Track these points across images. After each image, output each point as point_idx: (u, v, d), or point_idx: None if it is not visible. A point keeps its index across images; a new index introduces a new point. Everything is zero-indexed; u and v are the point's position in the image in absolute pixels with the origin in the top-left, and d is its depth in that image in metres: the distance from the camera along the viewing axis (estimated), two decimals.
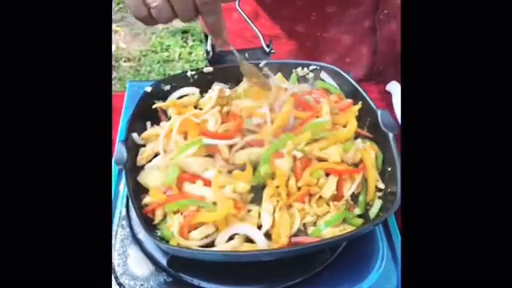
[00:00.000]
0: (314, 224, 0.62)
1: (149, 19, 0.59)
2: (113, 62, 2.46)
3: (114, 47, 2.56)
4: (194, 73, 0.76)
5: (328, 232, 0.60)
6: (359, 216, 0.64)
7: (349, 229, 0.61)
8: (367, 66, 1.00)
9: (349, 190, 0.64)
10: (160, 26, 2.74)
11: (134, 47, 2.58)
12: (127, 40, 2.64)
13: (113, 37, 2.64)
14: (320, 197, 0.63)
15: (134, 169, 0.65)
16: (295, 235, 0.61)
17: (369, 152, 0.67)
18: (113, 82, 2.34)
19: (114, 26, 2.71)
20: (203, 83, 0.76)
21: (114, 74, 2.39)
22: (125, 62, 2.48)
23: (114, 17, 2.78)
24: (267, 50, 0.76)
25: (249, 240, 0.59)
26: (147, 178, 0.64)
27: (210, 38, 0.72)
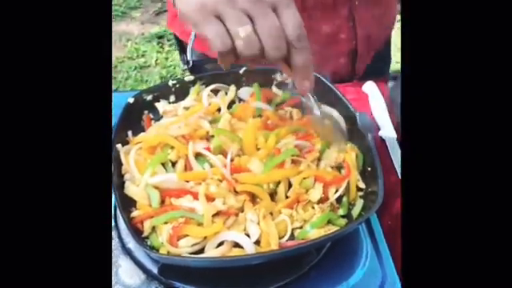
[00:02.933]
0: (301, 228, 0.64)
1: (231, 54, 0.49)
2: None
3: None
4: (175, 82, 0.77)
5: (314, 233, 0.62)
6: (343, 216, 0.66)
7: (333, 229, 0.63)
8: (348, 53, 1.02)
9: (334, 193, 0.66)
10: (135, 32, 2.74)
11: (115, 55, 2.57)
12: None
13: None
14: (308, 201, 0.65)
15: (120, 180, 0.66)
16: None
17: (350, 153, 0.69)
18: None
19: None
20: (185, 92, 0.77)
21: None
22: None
23: None
24: None
25: (237, 245, 0.61)
26: (130, 191, 0.64)
27: (189, 47, 0.74)
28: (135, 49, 2.60)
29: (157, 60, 2.54)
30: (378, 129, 0.87)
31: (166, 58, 2.55)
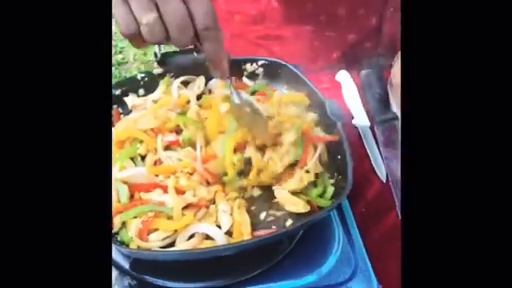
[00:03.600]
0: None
1: (138, 38, 0.50)
2: None
3: None
4: (143, 75, 0.76)
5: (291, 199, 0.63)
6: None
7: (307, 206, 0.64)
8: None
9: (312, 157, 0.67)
10: (112, 28, 2.71)
11: None
12: None
13: None
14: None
15: None
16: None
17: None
18: None
19: None
20: (154, 85, 0.76)
21: None
22: None
23: None
24: None
25: (209, 237, 0.61)
26: None
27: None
28: (113, 45, 2.57)
29: (135, 56, 2.51)
30: (352, 117, 0.87)
31: (145, 54, 2.52)
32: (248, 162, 0.65)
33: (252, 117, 0.64)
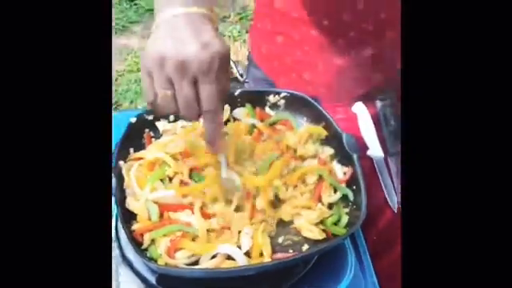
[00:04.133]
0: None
1: (155, 106, 0.59)
2: None
3: None
4: None
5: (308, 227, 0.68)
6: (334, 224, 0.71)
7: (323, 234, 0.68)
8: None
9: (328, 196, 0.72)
10: (135, 46, 2.80)
11: (115, 68, 2.62)
12: None
13: None
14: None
15: (122, 194, 0.71)
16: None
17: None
18: None
19: None
20: None
21: None
22: None
23: None
24: (241, 79, 0.83)
25: (230, 257, 0.65)
26: (131, 205, 0.69)
27: None
28: (135, 62, 2.65)
29: None
30: (367, 148, 0.92)
31: None
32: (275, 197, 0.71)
33: (231, 190, 0.70)
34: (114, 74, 2.55)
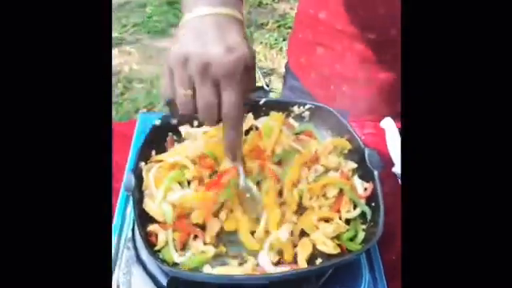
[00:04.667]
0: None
1: (172, 105, 0.58)
2: (126, 83, 2.55)
3: (127, 68, 2.66)
4: None
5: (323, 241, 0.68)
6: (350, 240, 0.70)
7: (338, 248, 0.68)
8: None
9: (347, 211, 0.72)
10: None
11: (147, 69, 2.68)
12: (140, 62, 2.73)
13: (126, 58, 2.74)
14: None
15: (141, 195, 0.72)
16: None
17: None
18: (125, 103, 2.43)
19: (127, 48, 2.82)
20: None
21: (126, 95, 2.48)
22: (137, 83, 2.57)
23: (128, 38, 2.89)
24: (267, 88, 0.83)
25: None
26: (147, 206, 0.70)
27: None
28: None
29: None
30: (393, 164, 0.90)
31: None
32: None
33: (250, 200, 0.70)
34: (150, 77, 2.60)
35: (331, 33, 0.99)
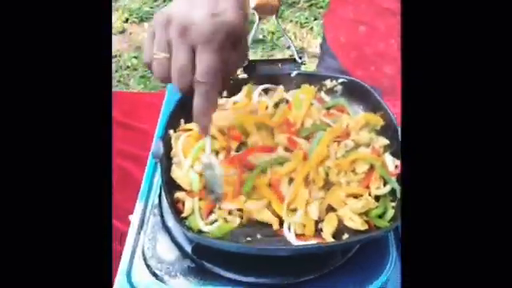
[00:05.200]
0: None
1: (151, 68, 0.57)
2: None
3: None
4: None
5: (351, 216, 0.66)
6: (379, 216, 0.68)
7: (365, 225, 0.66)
8: None
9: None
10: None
11: None
12: None
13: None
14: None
15: (169, 162, 0.72)
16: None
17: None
18: (153, 77, 2.43)
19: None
20: (237, 89, 0.82)
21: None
22: None
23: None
24: (299, 60, 0.81)
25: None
26: (175, 174, 0.69)
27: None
28: None
29: None
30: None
31: None
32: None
33: (211, 178, 0.66)
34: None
35: (375, 11, 0.96)
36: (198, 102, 0.56)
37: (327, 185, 0.70)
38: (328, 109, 0.81)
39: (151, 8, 2.89)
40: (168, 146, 0.72)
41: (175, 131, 0.74)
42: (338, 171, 0.70)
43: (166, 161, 0.71)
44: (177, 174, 0.69)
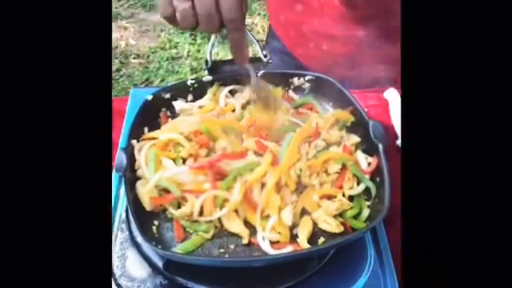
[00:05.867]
0: None
1: (173, 21, 0.59)
2: (122, 59, 2.49)
3: (123, 44, 2.60)
4: (193, 81, 0.79)
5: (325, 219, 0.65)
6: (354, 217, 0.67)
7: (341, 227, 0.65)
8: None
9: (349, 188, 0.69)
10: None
11: (143, 44, 2.61)
12: (136, 37, 2.67)
13: (122, 33, 2.67)
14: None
15: (133, 175, 0.68)
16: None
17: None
18: (121, 79, 2.38)
19: (123, 23, 2.75)
20: (202, 92, 0.79)
21: (123, 71, 2.43)
22: (134, 58, 2.51)
23: (123, 13, 2.82)
24: (264, 59, 0.79)
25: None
26: (139, 191, 0.67)
27: (208, 49, 0.75)
28: (168, 40, 2.63)
29: (189, 52, 2.57)
30: (396, 137, 0.86)
31: (198, 51, 2.58)
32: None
33: (264, 98, 0.73)
34: (147, 51, 2.54)
35: None
36: (233, 37, 0.60)
37: (300, 188, 0.68)
38: (297, 107, 0.79)
39: (115, 8, 2.82)
40: (131, 157, 0.69)
41: (138, 141, 0.71)
42: (311, 173, 0.68)
43: (131, 174, 0.67)
44: (140, 191, 0.66)
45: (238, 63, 0.66)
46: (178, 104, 0.77)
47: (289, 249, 0.62)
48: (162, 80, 2.39)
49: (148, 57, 2.53)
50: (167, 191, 0.66)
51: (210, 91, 0.78)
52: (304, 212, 0.66)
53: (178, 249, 0.62)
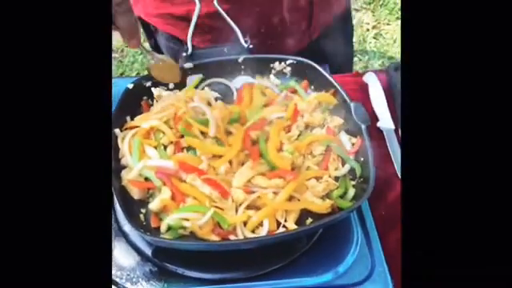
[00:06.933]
0: None
1: None
2: None
3: None
4: None
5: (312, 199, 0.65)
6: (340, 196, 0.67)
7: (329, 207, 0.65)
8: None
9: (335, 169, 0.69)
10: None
11: (117, 38, 2.57)
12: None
13: None
14: None
15: (118, 164, 0.67)
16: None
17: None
18: None
19: None
20: (183, 79, 0.78)
21: None
22: None
23: None
24: (245, 45, 0.78)
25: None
26: (124, 180, 0.66)
27: (189, 37, 0.75)
28: (142, 33, 2.61)
29: None
30: (377, 119, 0.87)
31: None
32: None
33: (164, 65, 0.73)
34: (121, 45, 2.51)
35: None
36: (125, 21, 0.60)
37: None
38: (281, 90, 0.79)
39: None
40: (115, 147, 0.68)
41: (121, 130, 0.70)
42: (297, 156, 0.69)
43: (115, 163, 0.67)
44: (126, 180, 0.65)
45: (132, 47, 0.66)
46: (157, 91, 0.76)
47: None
48: (138, 74, 2.36)
49: (122, 51, 2.49)
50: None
51: (192, 82, 0.78)
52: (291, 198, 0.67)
53: (167, 235, 0.61)
